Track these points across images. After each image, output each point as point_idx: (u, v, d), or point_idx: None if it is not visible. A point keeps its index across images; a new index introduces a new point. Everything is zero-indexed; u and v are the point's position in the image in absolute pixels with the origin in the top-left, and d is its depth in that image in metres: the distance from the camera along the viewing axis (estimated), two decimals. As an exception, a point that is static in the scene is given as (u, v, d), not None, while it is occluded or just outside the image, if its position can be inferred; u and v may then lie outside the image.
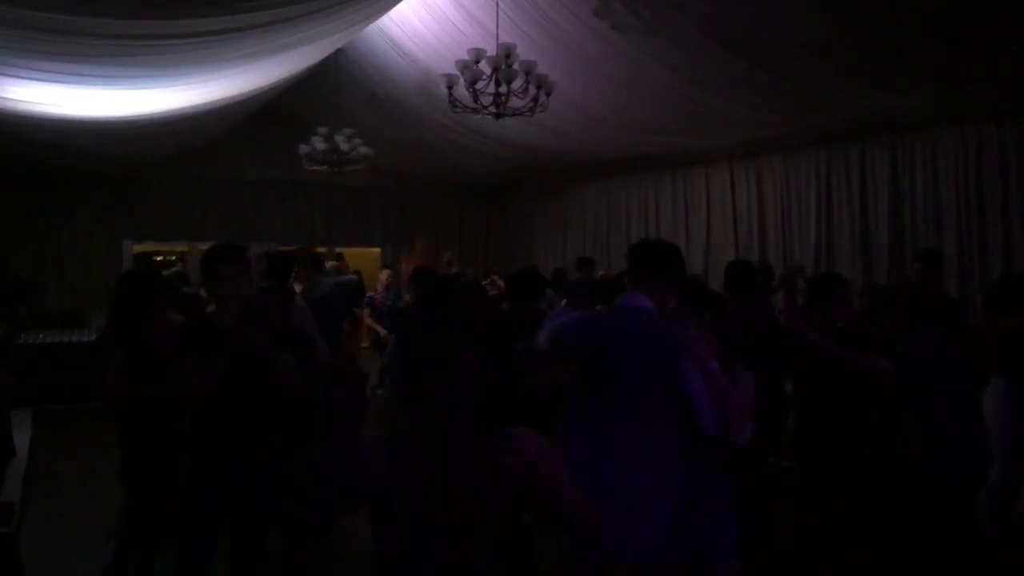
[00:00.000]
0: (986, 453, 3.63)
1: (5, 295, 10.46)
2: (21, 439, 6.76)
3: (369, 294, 9.33)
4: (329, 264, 9.34)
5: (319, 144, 9.99)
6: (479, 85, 6.56)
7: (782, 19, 5.85)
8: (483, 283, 9.64)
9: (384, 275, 10.05)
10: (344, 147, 9.98)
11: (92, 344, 9.28)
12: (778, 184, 9.78)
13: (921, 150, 8.09)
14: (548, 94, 6.73)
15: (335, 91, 10.20)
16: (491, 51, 6.49)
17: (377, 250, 15.18)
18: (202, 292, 7.38)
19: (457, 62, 6.56)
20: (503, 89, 6.61)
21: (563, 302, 5.34)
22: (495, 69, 6.48)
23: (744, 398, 2.95)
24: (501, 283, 9.79)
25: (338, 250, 14.99)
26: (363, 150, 10.06)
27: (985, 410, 4.52)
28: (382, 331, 9.00)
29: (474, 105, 6.72)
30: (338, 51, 8.92)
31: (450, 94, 6.78)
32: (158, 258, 14.37)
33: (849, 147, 8.82)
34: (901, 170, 8.29)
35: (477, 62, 6.49)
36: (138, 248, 13.70)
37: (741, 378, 3.02)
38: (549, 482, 1.73)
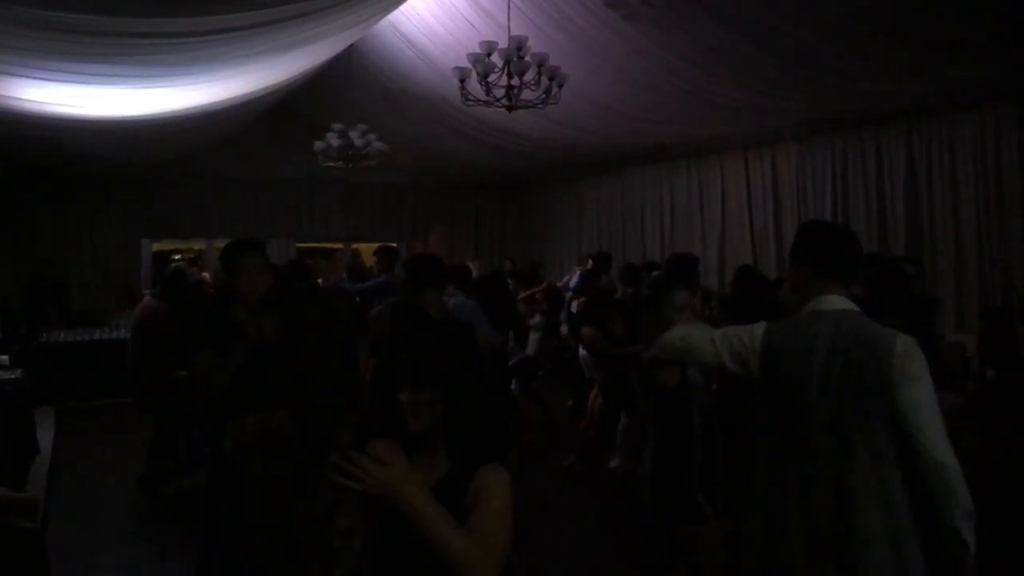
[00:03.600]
0: None
1: (38, 294, 10.61)
2: (45, 437, 6.88)
3: None
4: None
5: (334, 140, 10.05)
6: (491, 78, 6.56)
7: (795, 5, 5.81)
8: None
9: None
10: (358, 143, 10.02)
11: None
12: (793, 172, 9.71)
13: (938, 136, 8.00)
14: (560, 86, 6.72)
15: (349, 87, 10.24)
16: (503, 44, 6.49)
17: (392, 245, 15.20)
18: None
19: (469, 55, 6.57)
20: (515, 82, 6.62)
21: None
22: (507, 62, 6.48)
23: None
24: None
25: (354, 245, 15.10)
26: (377, 145, 10.10)
27: None
28: None
29: (486, 98, 6.73)
30: (351, 47, 8.95)
31: (462, 87, 6.79)
32: (177, 256, 14.50)
33: (864, 134, 8.74)
34: (918, 156, 8.21)
35: (489, 55, 6.49)
36: (157, 247, 13.83)
37: None
38: (403, 503, 1.64)
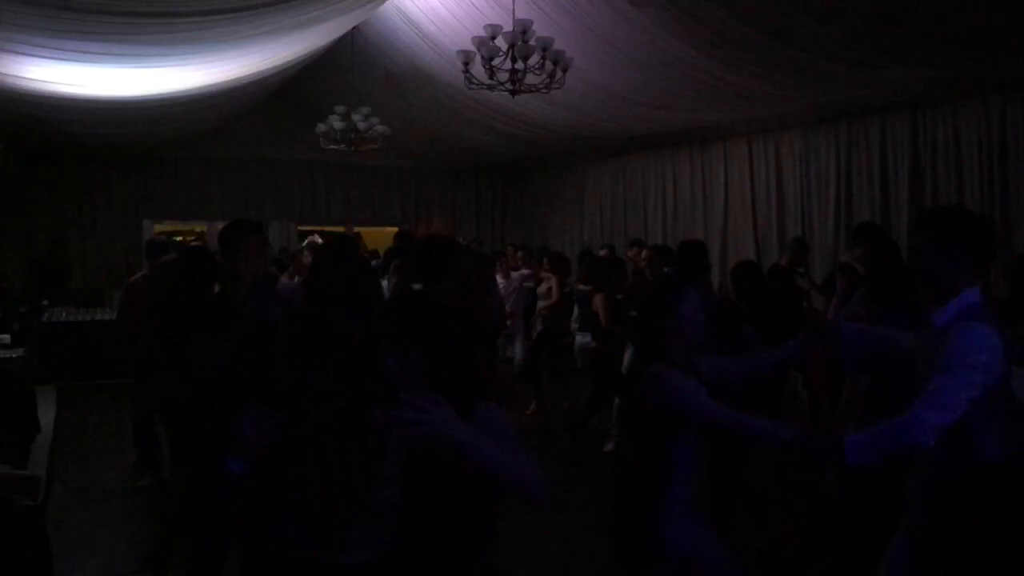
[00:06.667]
0: None
1: (40, 274, 10.64)
2: (46, 415, 6.89)
3: None
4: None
5: (336, 123, 10.03)
6: (495, 62, 6.53)
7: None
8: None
9: None
10: (361, 126, 10.01)
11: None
12: (797, 160, 9.67)
13: (943, 124, 7.96)
14: (564, 70, 6.69)
15: (352, 70, 10.20)
16: (507, 28, 6.45)
17: (394, 229, 15.21)
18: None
19: (473, 39, 6.54)
20: (519, 66, 6.59)
21: None
22: (511, 46, 6.45)
23: None
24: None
25: (356, 229, 15.08)
26: (380, 128, 10.08)
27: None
28: None
29: (490, 82, 6.70)
30: (354, 29, 8.90)
31: (466, 71, 6.76)
32: (178, 238, 14.50)
33: (869, 122, 8.69)
34: (922, 145, 8.17)
35: (493, 38, 6.46)
36: (158, 228, 13.83)
37: None
38: (461, 447, 1.75)
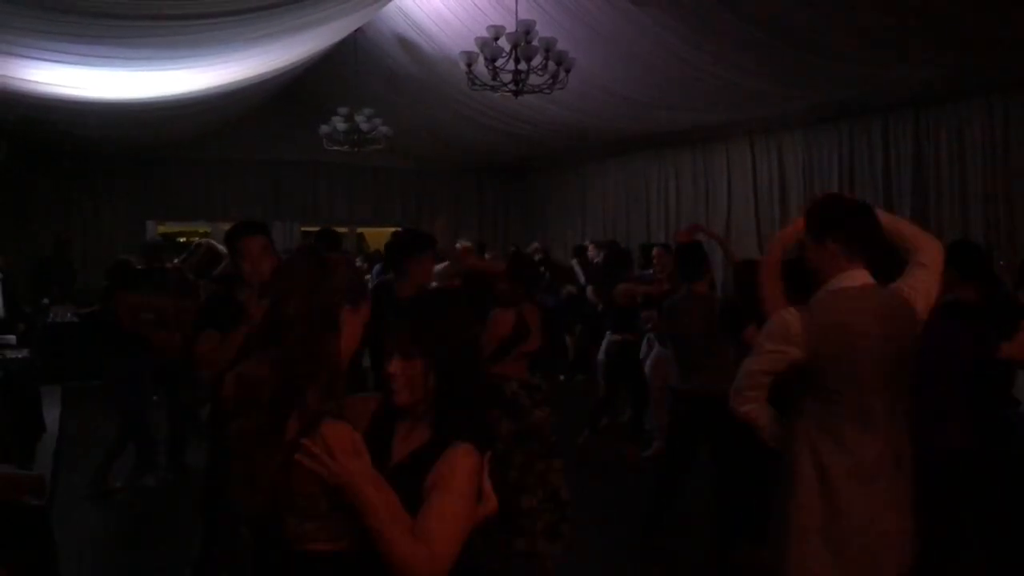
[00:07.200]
0: None
1: (44, 274, 10.66)
2: (51, 415, 6.92)
3: None
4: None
5: (339, 124, 10.06)
6: (498, 63, 6.55)
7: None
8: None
9: None
10: (364, 127, 10.03)
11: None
12: (800, 160, 9.67)
13: (946, 124, 7.96)
14: (567, 71, 6.71)
15: (355, 71, 10.22)
16: (510, 28, 6.47)
17: (397, 230, 15.21)
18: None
19: (476, 39, 6.55)
20: (522, 66, 6.60)
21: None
22: (514, 46, 6.46)
23: None
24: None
25: (359, 230, 15.10)
26: (383, 129, 10.11)
27: None
28: None
29: (493, 83, 6.72)
30: (357, 31, 8.92)
31: (469, 72, 6.78)
32: (181, 239, 14.52)
33: (872, 122, 8.70)
34: (925, 145, 8.17)
35: (496, 39, 6.47)
36: (161, 229, 13.85)
37: None
38: (357, 500, 1.60)
